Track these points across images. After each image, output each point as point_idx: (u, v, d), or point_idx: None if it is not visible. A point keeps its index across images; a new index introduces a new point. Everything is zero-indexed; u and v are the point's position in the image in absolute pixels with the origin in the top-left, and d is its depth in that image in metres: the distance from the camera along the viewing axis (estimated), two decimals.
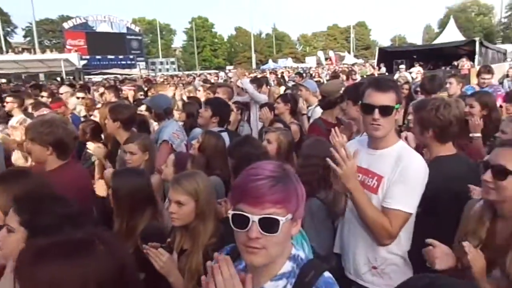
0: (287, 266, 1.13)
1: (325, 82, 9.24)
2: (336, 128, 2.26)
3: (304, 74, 13.44)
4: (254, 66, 48.80)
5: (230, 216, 1.04)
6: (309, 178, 2.33)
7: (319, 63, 38.89)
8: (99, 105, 5.75)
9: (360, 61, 42.57)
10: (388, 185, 1.90)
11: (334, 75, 10.72)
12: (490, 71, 5.38)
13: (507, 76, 9.60)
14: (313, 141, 2.70)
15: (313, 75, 18.82)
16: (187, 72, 34.93)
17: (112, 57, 40.48)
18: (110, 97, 5.94)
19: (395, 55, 16.53)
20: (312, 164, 2.40)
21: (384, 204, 1.88)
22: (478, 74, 5.50)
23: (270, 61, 46.51)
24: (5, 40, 40.51)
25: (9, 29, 54.82)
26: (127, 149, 2.97)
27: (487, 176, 1.54)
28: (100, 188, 2.99)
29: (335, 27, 77.99)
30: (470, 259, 1.49)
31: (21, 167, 2.91)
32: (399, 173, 1.87)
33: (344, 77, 11.06)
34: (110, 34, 41.74)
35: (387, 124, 1.91)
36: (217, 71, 35.99)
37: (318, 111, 4.30)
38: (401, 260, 1.98)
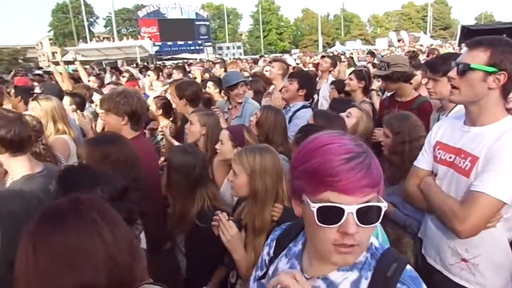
0: (361, 255, 0.93)
1: None
2: None
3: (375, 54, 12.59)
4: (320, 49, 47.39)
5: (314, 210, 0.82)
6: (402, 157, 2.28)
7: (390, 45, 36.48)
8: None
9: (438, 42, 39.06)
10: (482, 167, 1.57)
11: (414, 55, 9.76)
12: None
13: None
14: (397, 117, 2.46)
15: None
16: (252, 56, 35.03)
17: (182, 42, 42.15)
18: (178, 76, 6.15)
19: (480, 34, 14.62)
20: (403, 142, 2.24)
21: (471, 188, 1.57)
22: None
23: (337, 43, 44.74)
24: (89, 30, 44.13)
25: (92, 20, 59.62)
26: (189, 119, 2.93)
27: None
28: None
29: (411, 5, 72.22)
30: None
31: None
32: (494, 152, 1.53)
33: (424, 57, 10.20)
34: (180, 21, 43.32)
35: (464, 87, 1.58)
36: (281, 55, 35.56)
37: None
38: (503, 258, 1.64)
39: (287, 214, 1.61)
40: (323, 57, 6.09)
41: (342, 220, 0.81)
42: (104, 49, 28.73)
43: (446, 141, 1.80)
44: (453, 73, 1.63)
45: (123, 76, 7.27)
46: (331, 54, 7.77)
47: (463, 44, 12.85)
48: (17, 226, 1.43)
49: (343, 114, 2.73)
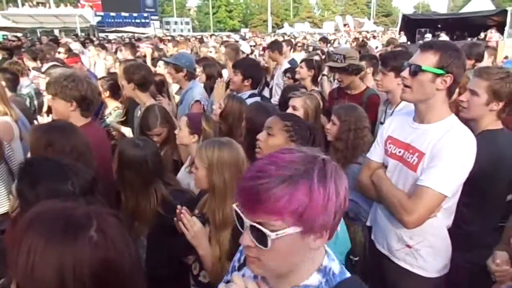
0: (314, 278, 0.93)
1: None
2: None
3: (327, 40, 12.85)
4: (269, 29, 47.30)
5: (234, 210, 0.88)
6: (345, 144, 2.41)
7: (337, 29, 37.49)
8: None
9: (380, 28, 40.89)
10: (428, 162, 1.73)
11: (362, 44, 10.02)
12: None
13: None
14: (345, 107, 2.60)
15: (332, 42, 18.07)
16: (202, 34, 34.00)
17: (126, 14, 39.39)
18: (126, 54, 5.81)
19: (418, 23, 15.70)
20: (348, 130, 2.38)
21: (417, 182, 1.73)
22: None
23: (286, 24, 44.94)
24: None
25: None
26: (154, 133, 2.72)
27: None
28: None
29: None
30: None
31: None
32: (438, 149, 1.68)
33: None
34: None
35: (416, 87, 1.72)
36: (230, 33, 34.97)
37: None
38: (442, 244, 1.84)
39: None
40: (268, 47, 5.76)
41: (244, 230, 0.85)
42: (39, 16, 26.14)
43: (396, 136, 1.93)
44: (405, 73, 1.75)
45: (59, 52, 6.52)
46: (282, 38, 7.69)
47: (402, 32, 13.42)
48: None
49: (289, 110, 2.70)
